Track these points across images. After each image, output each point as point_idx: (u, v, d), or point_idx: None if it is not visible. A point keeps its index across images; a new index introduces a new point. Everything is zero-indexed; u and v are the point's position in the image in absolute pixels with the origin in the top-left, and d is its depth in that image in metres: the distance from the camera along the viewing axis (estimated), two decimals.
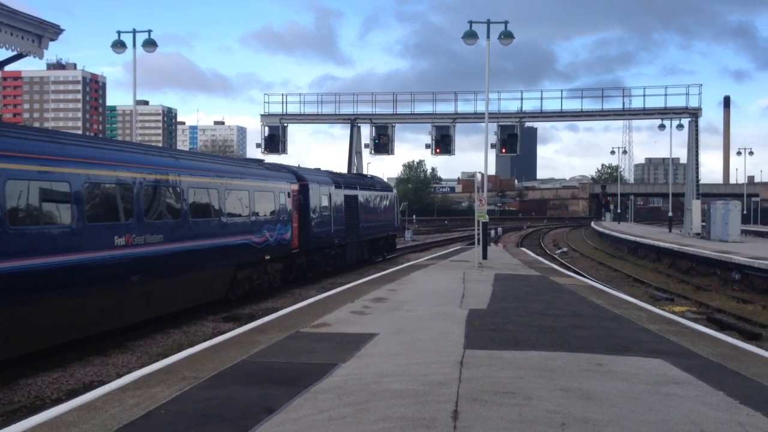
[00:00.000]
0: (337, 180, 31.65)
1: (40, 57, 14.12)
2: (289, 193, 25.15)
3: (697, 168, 47.55)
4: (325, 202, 29.17)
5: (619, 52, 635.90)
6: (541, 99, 50.62)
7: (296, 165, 31.00)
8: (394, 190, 45.68)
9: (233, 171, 21.36)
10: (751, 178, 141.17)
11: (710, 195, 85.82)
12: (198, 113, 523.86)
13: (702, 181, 50.17)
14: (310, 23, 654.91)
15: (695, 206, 47.98)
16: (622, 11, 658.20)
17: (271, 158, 45.15)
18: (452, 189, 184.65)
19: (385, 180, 55.11)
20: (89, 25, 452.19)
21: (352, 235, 32.70)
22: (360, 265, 34.62)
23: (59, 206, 13.01)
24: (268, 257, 22.86)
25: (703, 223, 46.82)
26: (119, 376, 11.31)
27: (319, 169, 33.26)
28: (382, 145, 46.45)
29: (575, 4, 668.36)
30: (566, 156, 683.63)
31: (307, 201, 26.94)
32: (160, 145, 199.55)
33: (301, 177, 27.06)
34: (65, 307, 13.13)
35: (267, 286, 23.37)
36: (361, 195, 34.83)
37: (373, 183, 39.45)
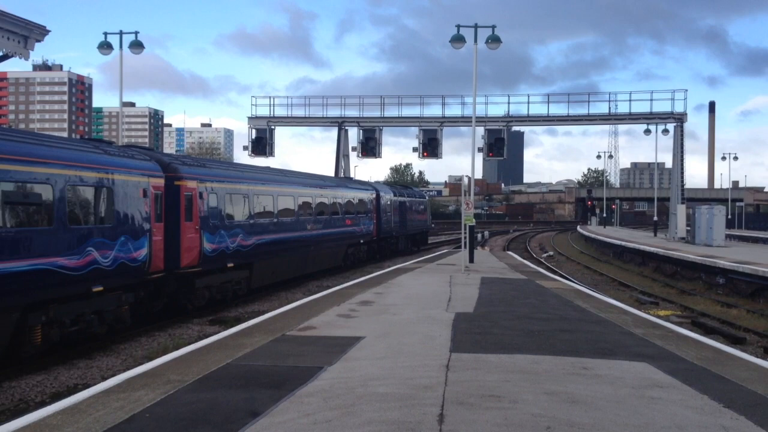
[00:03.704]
0: (393, 190, 44.97)
1: (26, 58, 14.07)
2: (371, 201, 38.44)
3: (683, 172, 47.83)
4: (388, 206, 41.51)
5: (594, 57, 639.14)
6: (528, 103, 51.14)
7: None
8: (427, 197, 58.79)
9: (340, 186, 34.57)
10: (735, 183, 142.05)
11: (695, 199, 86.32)
12: (183, 115, 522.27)
13: (686, 186, 50.45)
14: (284, 25, 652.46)
15: (680, 211, 48.25)
16: (597, 16, 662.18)
17: (259, 161, 45.37)
18: (439, 192, 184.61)
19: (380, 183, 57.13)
20: (62, 26, 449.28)
21: (402, 230, 45.15)
22: (405, 252, 45.25)
23: (289, 210, 26.65)
24: (362, 241, 36.77)
25: (688, 228, 47.07)
26: (104, 379, 11.26)
27: (378, 181, 49.27)
28: (370, 148, 46.48)
29: (550, 9, 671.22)
30: (547, 160, 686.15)
31: (378, 205, 39.61)
32: (147, 145, 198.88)
33: (376, 189, 40.36)
34: (290, 259, 26.95)
35: (364, 258, 37.39)
36: (407, 201, 46.97)
37: (413, 192, 52.56)
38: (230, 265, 21.17)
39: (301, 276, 28.48)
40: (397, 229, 43.53)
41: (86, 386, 10.76)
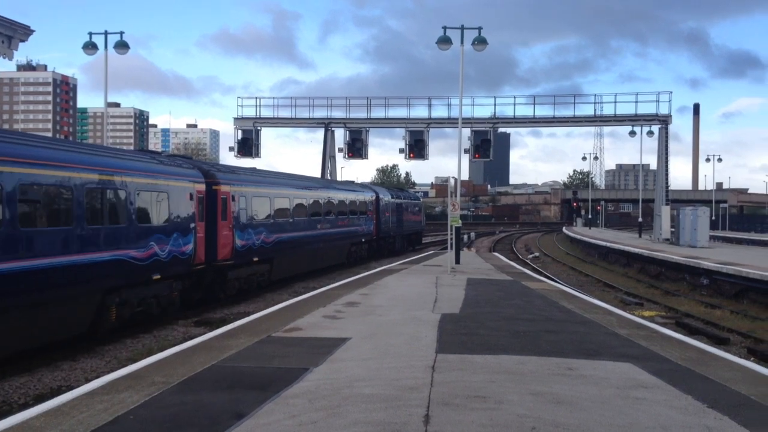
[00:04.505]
0: (391, 192, 48.00)
1: (10, 58, 13.98)
2: (372, 202, 40.97)
3: (667, 174, 48.11)
4: (386, 208, 44.04)
5: (577, 59, 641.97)
6: (514, 105, 51.21)
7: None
8: (421, 200, 61.24)
9: (344, 189, 37.71)
10: (719, 185, 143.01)
11: (679, 201, 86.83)
12: (168, 116, 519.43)
13: (671, 188, 50.75)
14: (267, 25, 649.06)
15: (665, 212, 48.52)
16: (580, 19, 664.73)
17: (245, 162, 45.26)
18: (426, 194, 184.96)
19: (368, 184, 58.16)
20: (45, 26, 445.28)
21: (398, 230, 47.58)
22: (401, 251, 47.57)
23: (303, 211, 29.66)
24: (363, 240, 39.09)
25: (673, 229, 47.34)
26: (88, 381, 11.18)
27: (375, 184, 53.13)
28: (356, 149, 46.48)
29: (534, 11, 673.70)
30: (532, 161, 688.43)
31: (378, 207, 42.10)
32: (132, 147, 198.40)
33: (375, 191, 43.09)
34: (303, 255, 29.75)
35: (365, 256, 39.56)
36: (403, 203, 49.29)
37: (409, 195, 55.78)
38: (255, 259, 24.07)
39: (312, 270, 31.39)
40: (394, 229, 46.29)
41: (70, 388, 10.69)
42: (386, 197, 44.88)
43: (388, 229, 44.77)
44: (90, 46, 30.74)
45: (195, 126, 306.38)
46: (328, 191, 34.13)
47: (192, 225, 19.43)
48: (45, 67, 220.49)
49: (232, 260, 22.02)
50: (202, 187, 20.47)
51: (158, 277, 17.46)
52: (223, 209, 21.55)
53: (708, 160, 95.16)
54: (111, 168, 15.76)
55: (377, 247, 42.79)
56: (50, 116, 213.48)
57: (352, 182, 48.31)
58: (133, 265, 16.27)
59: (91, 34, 30.84)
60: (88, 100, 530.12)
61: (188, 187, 19.52)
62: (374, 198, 42.14)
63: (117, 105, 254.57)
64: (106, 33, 31.04)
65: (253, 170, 28.59)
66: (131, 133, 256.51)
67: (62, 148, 14.94)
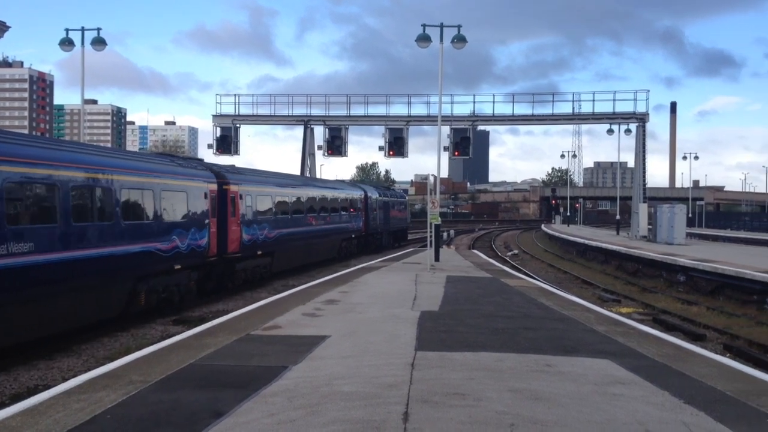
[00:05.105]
0: (378, 190, 49.68)
1: None
2: (361, 200, 42.88)
3: (644, 172, 48.49)
4: (374, 205, 45.58)
5: (554, 57, 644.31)
6: (493, 102, 51.30)
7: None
8: (407, 197, 64.12)
9: (336, 188, 39.84)
10: (696, 182, 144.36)
11: (657, 198, 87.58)
12: (146, 113, 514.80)
13: (648, 185, 51.16)
14: (244, 22, 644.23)
15: (642, 209, 48.90)
16: (556, 17, 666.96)
17: (223, 159, 45.08)
18: (405, 191, 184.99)
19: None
20: (18, 21, 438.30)
21: (385, 227, 49.20)
22: (388, 247, 48.92)
23: (300, 209, 31.50)
24: (353, 236, 40.91)
25: (650, 226, 47.73)
26: (64, 380, 11.08)
27: (355, 181, 62.41)
28: (336, 146, 46.44)
29: (510, 9, 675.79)
30: (510, 159, 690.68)
31: (366, 204, 43.61)
32: (110, 145, 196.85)
33: (364, 189, 44.97)
34: (300, 249, 31.47)
35: (355, 251, 41.16)
36: (390, 201, 51.15)
37: (395, 193, 58.55)
38: (259, 252, 26.08)
39: (307, 264, 33.11)
40: (381, 226, 47.98)
41: (46, 387, 10.59)
42: (374, 195, 46.42)
43: (375, 226, 46.22)
44: (67, 43, 30.46)
45: (173, 123, 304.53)
46: (322, 190, 36.11)
47: (206, 221, 21.37)
48: (21, 64, 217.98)
49: (240, 253, 24.10)
50: (215, 186, 22.44)
51: (179, 267, 19.51)
52: (232, 207, 23.50)
53: (685, 158, 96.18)
54: (142, 171, 17.98)
55: (365, 243, 44.19)
56: (26, 113, 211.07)
57: (343, 181, 50.60)
58: (159, 256, 18.37)
59: (67, 30, 30.58)
60: (63, 97, 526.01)
61: (203, 187, 21.48)
62: (363, 196, 43.67)
63: (94, 102, 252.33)
64: (83, 29, 30.77)
65: (256, 171, 30.32)
66: (108, 131, 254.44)
67: (103, 155, 17.31)
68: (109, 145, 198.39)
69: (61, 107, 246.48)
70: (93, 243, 15.26)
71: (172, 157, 22.69)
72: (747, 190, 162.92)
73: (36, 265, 13.21)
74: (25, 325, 13.52)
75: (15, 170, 12.95)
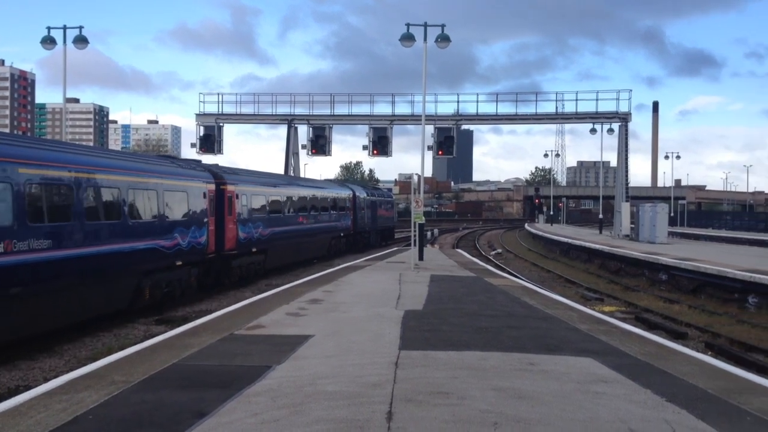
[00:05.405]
0: (366, 190, 50.84)
1: None
2: (349, 199, 43.75)
3: (627, 171, 48.74)
4: (362, 204, 46.63)
5: (536, 57, 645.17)
6: (477, 102, 51.49)
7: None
8: (394, 197, 66.28)
9: (326, 188, 41.32)
10: (678, 182, 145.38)
11: (639, 198, 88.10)
12: (128, 112, 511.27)
13: (631, 184, 51.45)
14: (226, 20, 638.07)
15: (625, 209, 49.16)
16: (538, 17, 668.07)
17: (207, 158, 44.81)
18: (389, 190, 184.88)
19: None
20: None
21: (373, 225, 50.43)
22: (376, 245, 49.87)
23: (293, 208, 32.77)
24: (342, 234, 42.10)
25: (632, 225, 47.99)
26: (46, 380, 11.00)
27: (345, 181, 59.33)
28: (320, 146, 46.38)
29: (493, 9, 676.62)
30: (494, 158, 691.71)
31: (355, 203, 44.80)
32: (92, 144, 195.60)
33: (352, 189, 45.94)
34: (292, 246, 32.44)
35: (343, 249, 41.99)
36: (377, 200, 52.40)
37: (382, 193, 59.61)
38: (254, 250, 27.18)
39: (298, 261, 34.23)
40: (369, 225, 49.29)
41: (28, 388, 10.51)
42: (362, 195, 47.49)
43: (363, 225, 47.35)
44: (48, 41, 30.24)
45: (156, 122, 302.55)
46: (313, 190, 37.43)
47: (205, 220, 22.46)
48: (2, 62, 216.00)
49: (236, 250, 25.23)
50: (213, 187, 23.55)
51: (180, 263, 20.49)
52: (229, 206, 24.59)
53: (667, 157, 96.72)
54: (147, 172, 19.07)
55: (354, 241, 45.12)
56: (8, 112, 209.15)
57: (332, 181, 52.84)
58: (162, 253, 19.40)
59: (49, 28, 30.35)
60: (44, 95, 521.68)
61: (202, 187, 22.58)
62: (351, 196, 44.73)
63: (76, 101, 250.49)
64: (65, 27, 30.57)
65: (250, 171, 31.19)
66: (91, 130, 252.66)
67: (113, 158, 18.67)
68: (91, 144, 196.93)
69: (42, 106, 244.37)
70: (103, 240, 16.36)
71: (173, 158, 23.80)
72: (728, 189, 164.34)
73: (54, 260, 14.26)
74: (47, 316, 14.57)
75: (35, 172, 13.98)
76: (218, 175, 24.47)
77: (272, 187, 30.72)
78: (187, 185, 21.39)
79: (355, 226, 45.04)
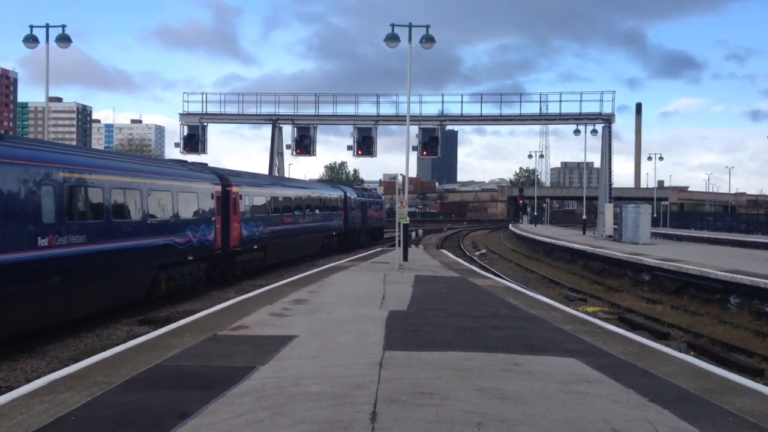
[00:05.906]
0: (357, 191, 53.25)
1: None
2: (341, 200, 45.75)
3: (610, 172, 48.99)
4: (352, 205, 48.35)
5: (519, 58, 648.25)
6: (462, 102, 51.56)
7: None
8: (383, 198, 68.91)
9: (319, 189, 44.00)
10: (660, 183, 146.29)
11: (622, 198, 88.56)
12: (111, 111, 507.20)
13: (614, 185, 51.74)
14: (208, 20, 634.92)
15: (608, 209, 49.44)
16: (521, 18, 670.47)
17: (191, 158, 44.53)
18: (377, 191, 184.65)
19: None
20: None
21: (363, 225, 52.25)
22: (366, 245, 51.38)
23: (290, 207, 34.51)
24: (334, 233, 43.74)
25: (616, 226, 48.25)
26: (28, 381, 10.91)
27: (336, 182, 59.87)
28: (304, 146, 46.33)
29: (475, 10, 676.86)
30: (477, 159, 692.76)
31: (346, 204, 46.57)
32: (75, 143, 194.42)
33: (344, 190, 48.14)
34: (289, 244, 34.39)
35: (335, 248, 43.45)
36: (367, 201, 54.31)
37: (372, 194, 61.56)
38: (255, 247, 29.05)
39: (293, 259, 36.00)
40: (360, 225, 51.14)
41: (9, 389, 10.41)
42: (353, 196, 49.62)
43: (354, 224, 49.25)
44: (31, 39, 30.02)
45: (139, 122, 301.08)
46: (308, 191, 39.67)
47: (213, 218, 24.30)
48: None
49: (239, 247, 27.11)
50: (219, 188, 25.41)
51: (191, 258, 22.38)
52: (234, 206, 26.47)
53: (650, 158, 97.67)
54: (164, 175, 21.01)
55: (345, 240, 46.69)
56: None
57: (325, 182, 57.51)
58: (177, 249, 21.18)
59: (32, 27, 30.14)
60: (25, 94, 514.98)
61: (211, 189, 24.47)
62: (343, 196, 46.70)
63: (59, 100, 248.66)
64: (47, 26, 30.37)
65: (252, 174, 33.54)
66: (74, 129, 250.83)
67: (135, 162, 20.79)
68: (74, 143, 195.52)
69: (25, 105, 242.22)
70: (127, 236, 18.12)
71: (183, 162, 25.87)
72: (710, 190, 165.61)
73: (87, 254, 15.98)
74: (79, 304, 16.17)
75: (73, 176, 15.78)
76: (224, 177, 26.30)
77: (271, 188, 32.73)
78: (198, 187, 23.21)
79: (346, 225, 46.73)
